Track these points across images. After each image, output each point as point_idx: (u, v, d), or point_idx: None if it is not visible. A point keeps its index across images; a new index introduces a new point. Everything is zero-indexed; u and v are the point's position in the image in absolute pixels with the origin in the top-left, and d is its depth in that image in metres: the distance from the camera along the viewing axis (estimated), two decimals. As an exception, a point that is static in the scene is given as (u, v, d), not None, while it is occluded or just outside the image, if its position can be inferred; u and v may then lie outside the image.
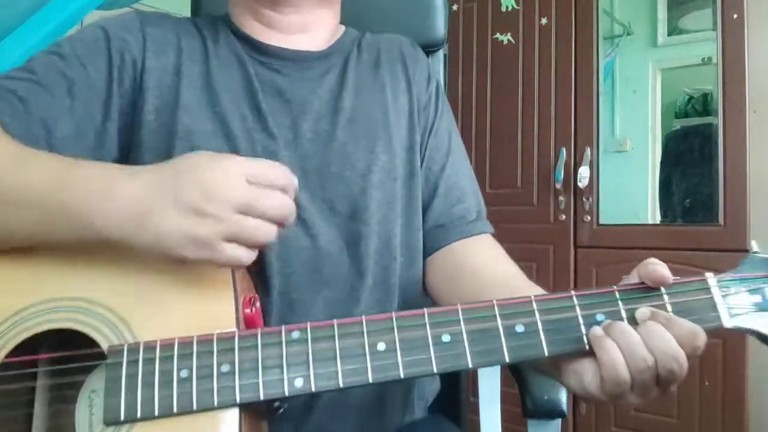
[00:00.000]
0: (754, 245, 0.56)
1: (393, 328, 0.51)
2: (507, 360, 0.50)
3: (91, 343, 0.52)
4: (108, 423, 0.49)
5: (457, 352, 0.50)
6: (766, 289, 0.53)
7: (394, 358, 0.50)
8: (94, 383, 0.53)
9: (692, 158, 1.90)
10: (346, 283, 0.69)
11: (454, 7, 2.14)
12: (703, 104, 1.93)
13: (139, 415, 0.48)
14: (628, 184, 1.98)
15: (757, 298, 0.53)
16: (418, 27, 0.97)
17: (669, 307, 0.51)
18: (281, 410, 0.54)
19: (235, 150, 0.68)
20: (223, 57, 0.75)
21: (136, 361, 0.50)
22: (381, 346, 0.50)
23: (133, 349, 0.50)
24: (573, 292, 0.53)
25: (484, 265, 0.72)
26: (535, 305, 0.52)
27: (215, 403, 0.48)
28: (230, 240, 0.51)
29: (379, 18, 0.96)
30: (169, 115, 0.69)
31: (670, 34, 2.00)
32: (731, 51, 1.70)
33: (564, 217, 1.93)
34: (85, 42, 0.71)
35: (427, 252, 0.77)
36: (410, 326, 0.51)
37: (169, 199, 0.51)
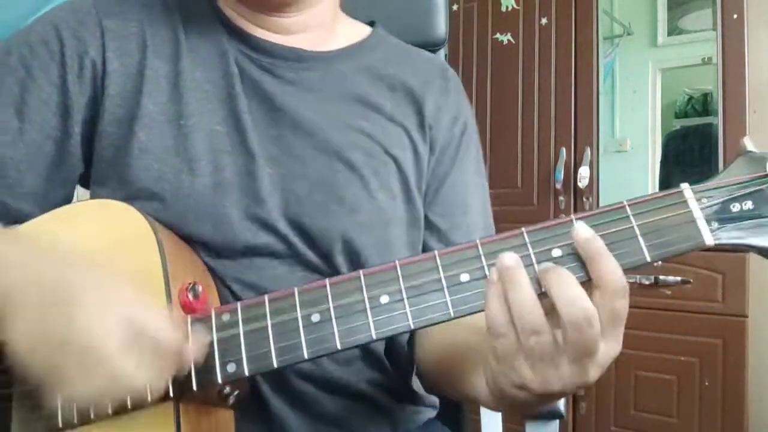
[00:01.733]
0: (747, 143, 0.46)
1: (327, 297, 0.47)
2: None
3: None
4: (50, 430, 0.47)
5: (398, 313, 0.46)
6: (761, 191, 0.43)
7: (330, 329, 0.46)
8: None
9: (692, 158, 1.90)
10: None
11: (454, 7, 2.14)
12: (703, 104, 1.93)
13: (76, 419, 0.47)
14: (628, 184, 1.98)
15: (748, 204, 0.43)
16: (419, 26, 0.96)
17: (637, 230, 0.44)
18: (232, 396, 0.51)
19: (194, 173, 0.59)
20: (200, 51, 0.63)
21: None
22: (315, 318, 0.46)
23: None
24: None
25: None
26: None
27: (149, 399, 0.45)
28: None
29: (379, 18, 0.97)
30: (127, 128, 0.60)
31: (670, 34, 1.99)
32: (731, 51, 1.69)
33: (564, 217, 1.93)
34: (34, 47, 0.61)
35: None
36: (346, 292, 0.47)
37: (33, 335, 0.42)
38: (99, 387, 0.42)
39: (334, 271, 0.62)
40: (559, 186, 1.91)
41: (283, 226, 0.61)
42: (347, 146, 0.64)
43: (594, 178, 1.88)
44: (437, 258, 0.46)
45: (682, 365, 1.70)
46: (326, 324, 0.46)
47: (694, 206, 0.44)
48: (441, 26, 0.96)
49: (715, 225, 0.44)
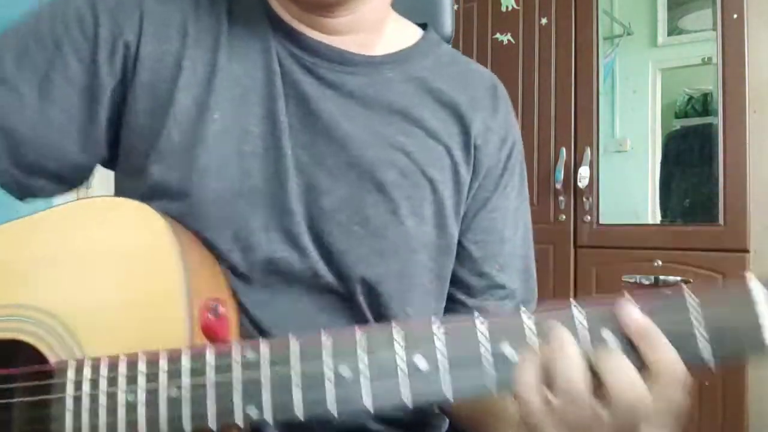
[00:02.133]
0: None
1: (355, 352, 0.43)
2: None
3: (39, 353, 0.48)
4: None
5: (434, 381, 0.41)
6: None
7: (358, 388, 0.42)
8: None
9: (692, 158, 1.90)
10: None
11: (455, 7, 2.14)
12: (703, 104, 1.93)
13: None
14: (628, 184, 1.98)
15: None
16: (424, 23, 0.95)
17: (696, 324, 0.39)
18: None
19: (221, 175, 0.56)
20: (241, 43, 0.59)
21: (81, 382, 0.45)
22: (345, 371, 0.42)
23: (79, 368, 0.46)
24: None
25: None
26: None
27: None
28: None
29: None
30: (159, 122, 0.56)
31: (670, 34, 1.99)
32: (731, 51, 1.69)
33: (564, 217, 1.93)
34: (68, 20, 0.57)
35: None
36: (379, 347, 0.43)
37: None
38: None
39: (349, 293, 0.59)
40: (559, 186, 1.91)
41: (307, 241, 0.57)
42: (381, 164, 0.60)
43: (594, 178, 1.88)
44: (477, 326, 0.42)
45: (682, 365, 1.70)
46: (356, 380, 0.42)
47: (763, 311, 0.38)
48: (447, 24, 0.93)
49: None
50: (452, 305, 0.67)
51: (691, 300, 0.39)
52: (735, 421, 1.64)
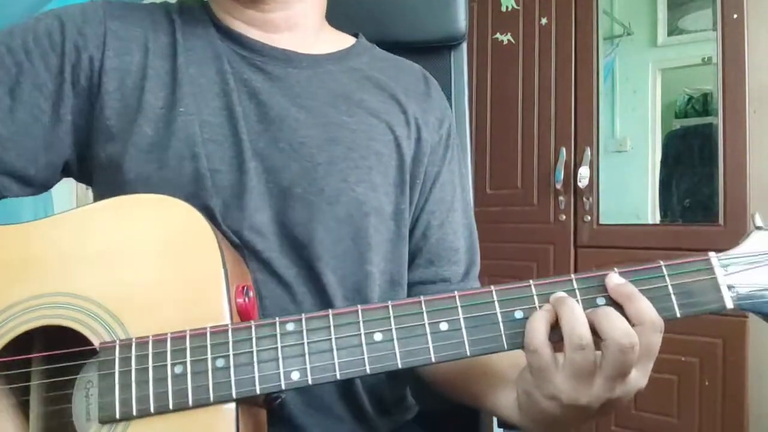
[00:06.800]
0: (758, 219, 0.53)
1: (389, 318, 0.50)
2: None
3: (83, 339, 0.51)
4: (103, 422, 0.48)
5: (456, 340, 0.50)
6: None
7: (391, 349, 0.49)
8: (88, 380, 0.53)
9: (692, 158, 1.90)
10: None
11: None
12: (703, 104, 1.93)
13: (134, 412, 0.48)
14: (628, 184, 1.98)
15: (763, 277, 0.50)
16: (438, 21, 0.95)
17: (671, 289, 0.50)
18: (279, 400, 0.53)
19: (196, 160, 0.62)
20: (196, 50, 0.68)
21: (129, 358, 0.49)
22: (378, 336, 0.50)
23: (125, 345, 0.49)
24: (574, 276, 0.51)
25: None
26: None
27: (211, 399, 0.48)
28: None
29: (397, 11, 0.93)
30: (129, 123, 0.63)
31: (670, 34, 2.00)
32: (731, 51, 1.69)
33: (564, 217, 1.93)
34: (38, 34, 0.64)
35: None
36: (407, 315, 0.50)
37: None
38: None
39: (310, 264, 0.65)
40: (559, 186, 1.91)
41: (266, 219, 0.64)
42: (329, 142, 0.67)
43: (594, 178, 1.88)
44: (494, 293, 0.51)
45: (682, 365, 1.70)
46: (388, 344, 0.50)
47: (719, 273, 0.50)
48: (461, 19, 0.94)
49: (735, 291, 0.50)
50: (416, 270, 0.74)
51: (666, 268, 0.51)
52: (735, 421, 1.64)
